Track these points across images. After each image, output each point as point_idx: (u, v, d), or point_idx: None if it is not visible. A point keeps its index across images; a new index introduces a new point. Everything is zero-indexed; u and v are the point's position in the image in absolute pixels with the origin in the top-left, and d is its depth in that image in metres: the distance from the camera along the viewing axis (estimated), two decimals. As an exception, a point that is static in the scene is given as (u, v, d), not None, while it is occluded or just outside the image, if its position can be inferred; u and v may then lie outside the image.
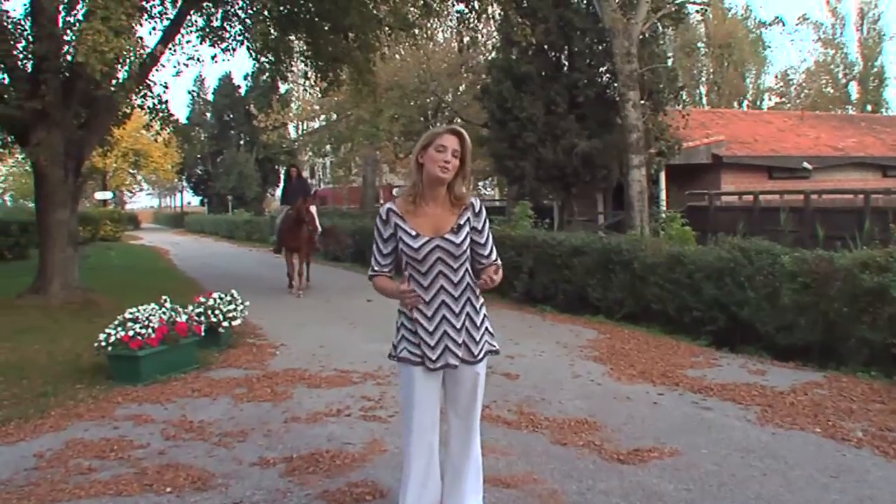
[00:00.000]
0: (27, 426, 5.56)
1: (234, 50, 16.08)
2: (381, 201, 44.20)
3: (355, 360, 7.92)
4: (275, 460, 4.78)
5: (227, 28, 15.65)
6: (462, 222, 3.38)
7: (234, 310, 8.75)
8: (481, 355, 3.49)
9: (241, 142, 57.88)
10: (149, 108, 14.97)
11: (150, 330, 7.19)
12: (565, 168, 19.92)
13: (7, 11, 12.41)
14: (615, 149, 16.94)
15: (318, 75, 16.43)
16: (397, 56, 26.51)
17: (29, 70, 11.13)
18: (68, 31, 11.70)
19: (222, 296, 8.93)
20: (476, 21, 14.41)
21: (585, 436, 5.21)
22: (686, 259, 9.10)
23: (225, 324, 8.55)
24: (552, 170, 20.15)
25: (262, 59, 16.55)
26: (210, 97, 62.24)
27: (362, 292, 13.45)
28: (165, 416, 5.83)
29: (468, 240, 3.39)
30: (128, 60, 9.61)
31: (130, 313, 7.30)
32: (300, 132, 44.04)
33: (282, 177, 54.98)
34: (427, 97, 29.74)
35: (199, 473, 4.53)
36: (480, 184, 45.10)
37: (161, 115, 15.02)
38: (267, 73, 17.03)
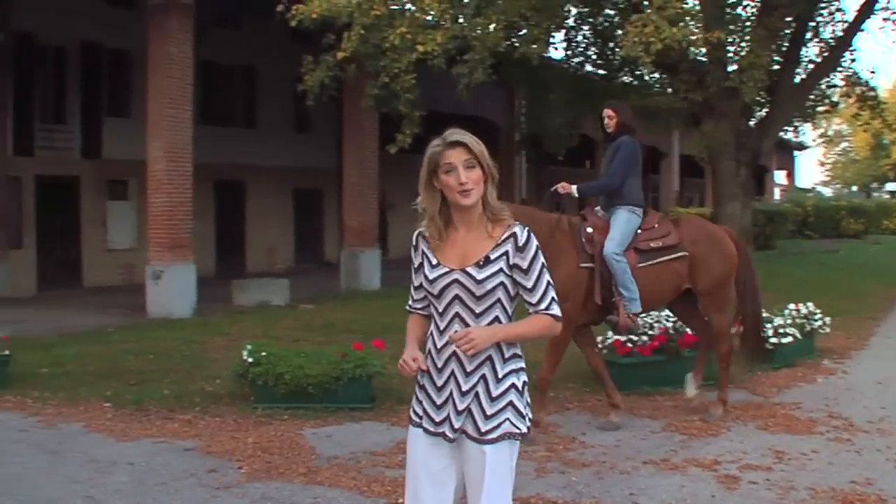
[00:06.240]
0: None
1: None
2: None
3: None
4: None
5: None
6: (494, 256, 2.64)
7: (787, 325, 7.66)
8: (493, 435, 2.65)
9: None
10: (859, 96, 13.85)
11: (645, 338, 6.97)
12: None
13: None
14: None
15: None
16: None
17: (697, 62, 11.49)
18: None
19: (791, 307, 8.04)
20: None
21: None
22: None
23: (773, 339, 7.55)
24: None
25: None
26: None
27: None
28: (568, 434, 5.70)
29: (498, 281, 2.64)
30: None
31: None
32: None
33: None
34: None
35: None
36: None
37: (870, 102, 13.82)
38: None
